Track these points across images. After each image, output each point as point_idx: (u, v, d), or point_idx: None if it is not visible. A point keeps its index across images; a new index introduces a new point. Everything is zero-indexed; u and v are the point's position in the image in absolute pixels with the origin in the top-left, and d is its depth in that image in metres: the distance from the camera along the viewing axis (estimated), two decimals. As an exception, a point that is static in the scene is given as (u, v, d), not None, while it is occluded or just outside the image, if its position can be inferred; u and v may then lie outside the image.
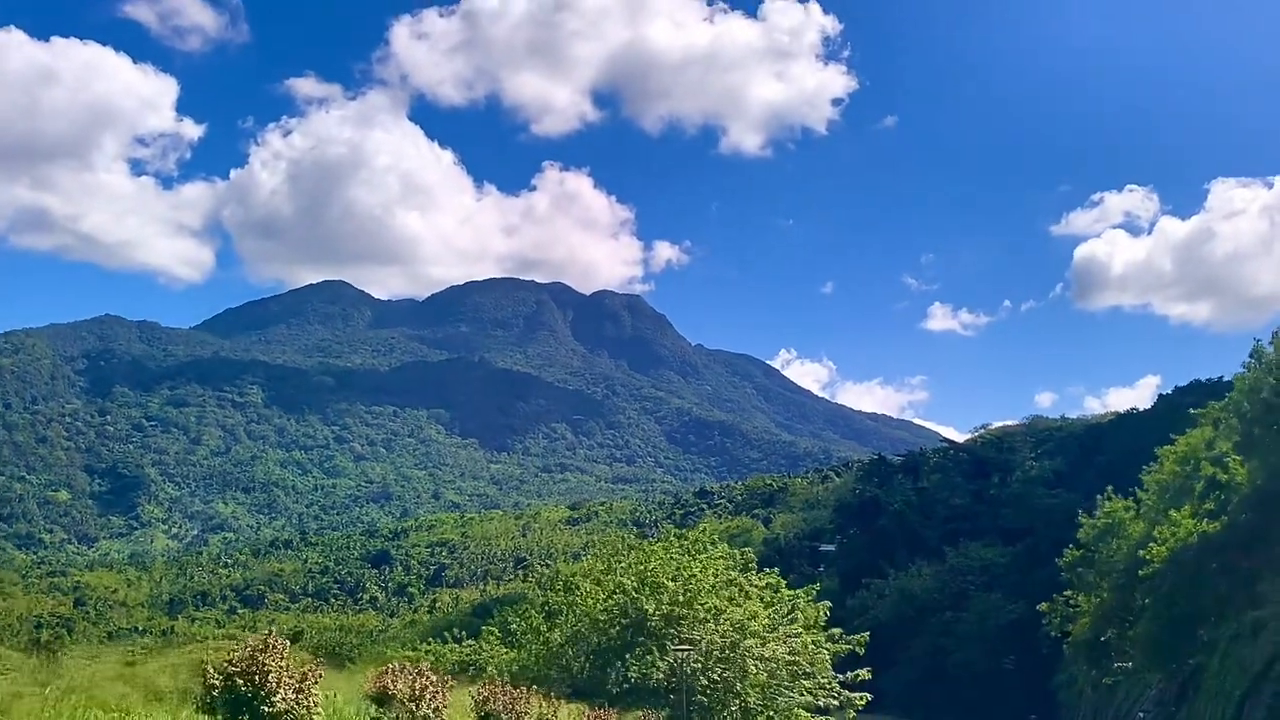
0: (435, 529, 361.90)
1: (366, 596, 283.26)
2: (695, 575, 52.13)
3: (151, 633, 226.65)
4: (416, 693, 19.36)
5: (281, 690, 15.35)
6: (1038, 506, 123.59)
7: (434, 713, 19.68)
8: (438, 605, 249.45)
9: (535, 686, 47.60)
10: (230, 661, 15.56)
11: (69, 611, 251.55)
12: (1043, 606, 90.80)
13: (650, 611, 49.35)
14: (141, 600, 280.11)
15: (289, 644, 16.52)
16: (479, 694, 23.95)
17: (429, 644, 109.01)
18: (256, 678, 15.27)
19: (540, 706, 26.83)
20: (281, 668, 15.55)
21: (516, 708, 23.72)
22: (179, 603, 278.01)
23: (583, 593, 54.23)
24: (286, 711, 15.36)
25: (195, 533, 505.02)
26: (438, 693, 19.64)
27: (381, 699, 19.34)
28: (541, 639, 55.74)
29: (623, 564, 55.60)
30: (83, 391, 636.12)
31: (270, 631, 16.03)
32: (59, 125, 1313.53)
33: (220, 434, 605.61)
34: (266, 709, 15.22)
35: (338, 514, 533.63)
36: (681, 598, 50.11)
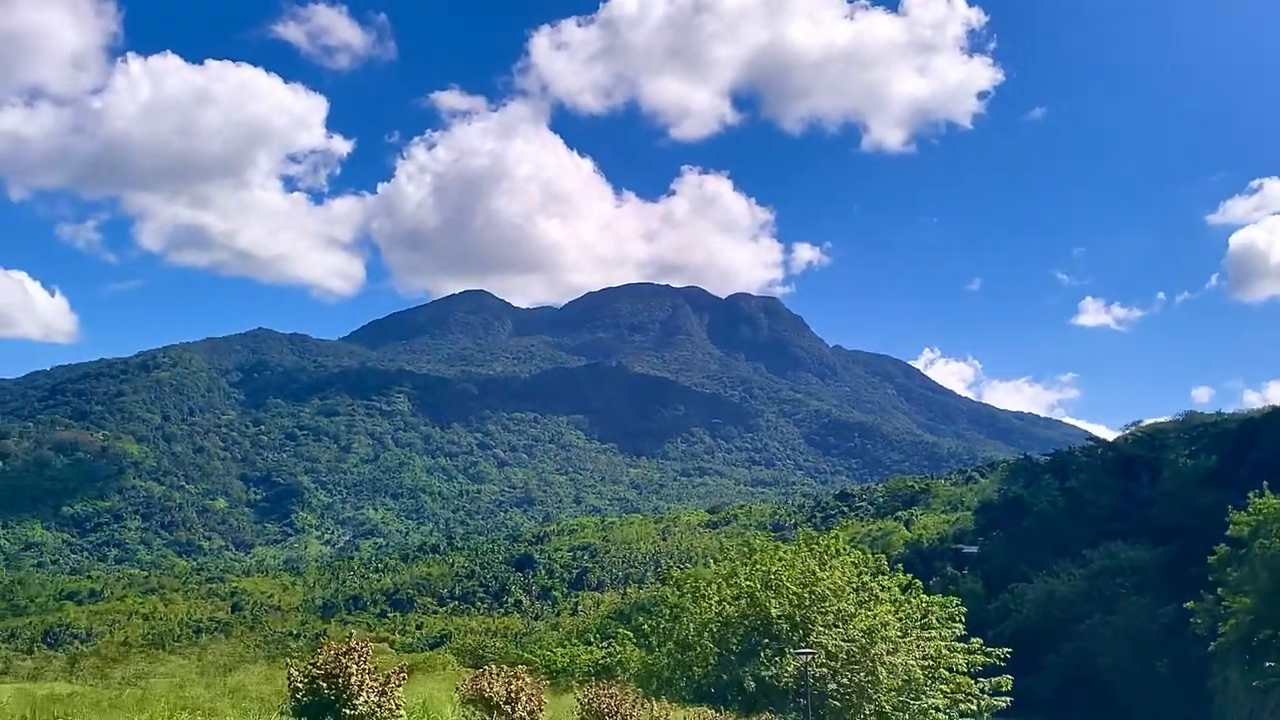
0: (577, 533, 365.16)
1: (511, 600, 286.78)
2: (820, 579, 51.32)
3: (305, 637, 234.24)
4: (512, 695, 19.39)
5: (364, 693, 15.51)
6: (1190, 505, 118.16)
7: (529, 715, 19.69)
8: (580, 608, 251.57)
9: (660, 689, 47.62)
10: (314, 665, 15.80)
11: (227, 616, 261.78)
12: (1191, 605, 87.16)
13: (774, 615, 48.78)
14: (296, 605, 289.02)
15: (372, 647, 16.64)
16: (585, 696, 23.90)
17: (565, 647, 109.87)
18: (339, 680, 15.46)
19: (652, 710, 26.64)
20: (364, 670, 15.72)
21: (622, 710, 23.61)
22: (332, 607, 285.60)
23: (707, 595, 53.93)
24: (369, 714, 15.52)
25: (347, 538, 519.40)
26: (534, 695, 19.67)
27: (478, 702, 19.44)
28: (668, 642, 55.61)
29: (747, 567, 55.10)
30: (238, 403, 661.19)
31: (352, 634, 16.20)
32: (215, 145, 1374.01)
33: (369, 442, 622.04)
34: (349, 711, 15.40)
35: (482, 519, 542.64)
36: (806, 601, 49.40)
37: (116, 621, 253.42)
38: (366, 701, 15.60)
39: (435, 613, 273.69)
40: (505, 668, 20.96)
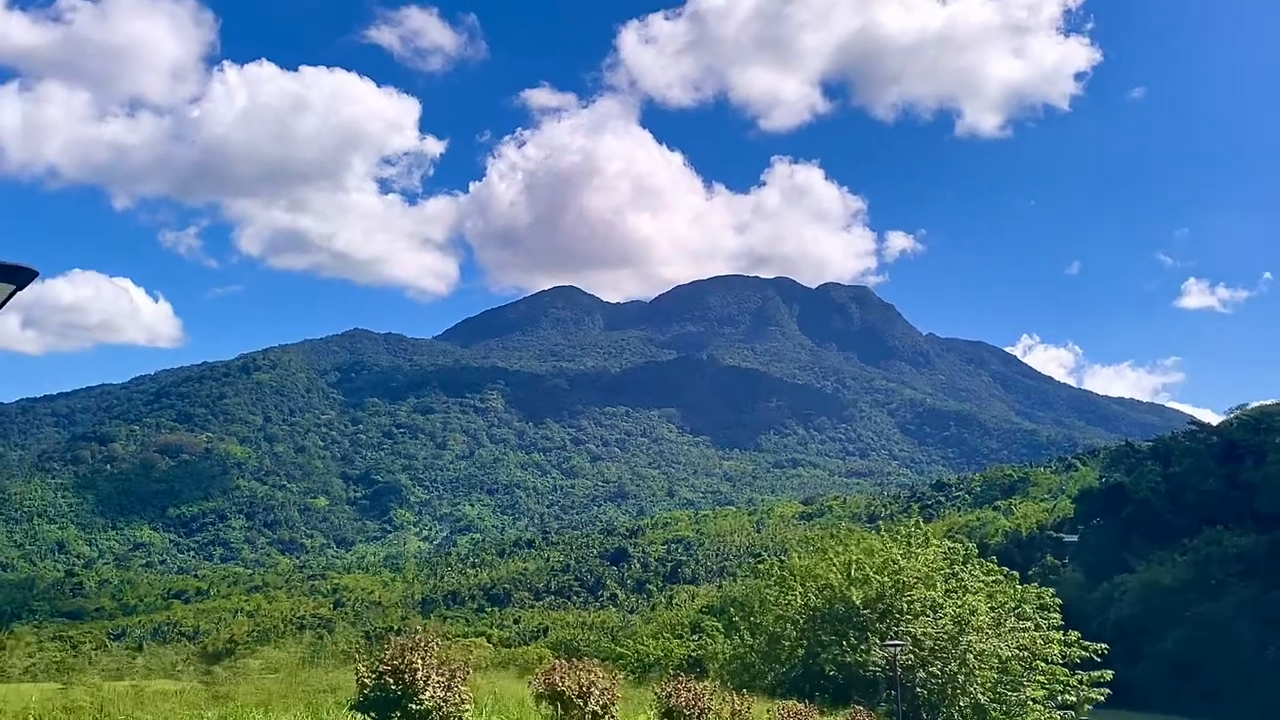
0: (671, 526, 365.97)
1: (606, 594, 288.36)
2: (904, 567, 50.67)
3: (405, 632, 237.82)
4: (584, 690, 19.41)
5: (430, 689, 15.65)
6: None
7: (601, 709, 19.69)
8: (675, 601, 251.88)
9: (747, 681, 47.44)
10: (381, 660, 16.00)
11: (329, 612, 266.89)
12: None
13: (857, 603, 48.30)
14: (396, 600, 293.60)
15: (440, 641, 16.80)
16: (662, 690, 23.82)
17: (657, 640, 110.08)
18: (406, 676, 15.62)
19: (732, 703, 26.48)
20: (430, 665, 15.87)
21: (700, 704, 23.51)
22: (431, 602, 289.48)
23: (793, 586, 53.60)
24: (435, 708, 15.65)
25: (444, 534, 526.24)
26: (606, 689, 19.68)
27: (550, 697, 19.51)
28: (757, 633, 55.42)
29: (831, 557, 54.64)
30: (336, 403, 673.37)
31: (422, 629, 16.38)
32: (311, 150, 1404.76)
33: (464, 439, 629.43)
34: (414, 706, 15.54)
35: (577, 513, 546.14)
36: (889, 590, 48.81)
37: (222, 619, 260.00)
38: (433, 696, 15.73)
39: (532, 607, 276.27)
40: (577, 661, 21.05)
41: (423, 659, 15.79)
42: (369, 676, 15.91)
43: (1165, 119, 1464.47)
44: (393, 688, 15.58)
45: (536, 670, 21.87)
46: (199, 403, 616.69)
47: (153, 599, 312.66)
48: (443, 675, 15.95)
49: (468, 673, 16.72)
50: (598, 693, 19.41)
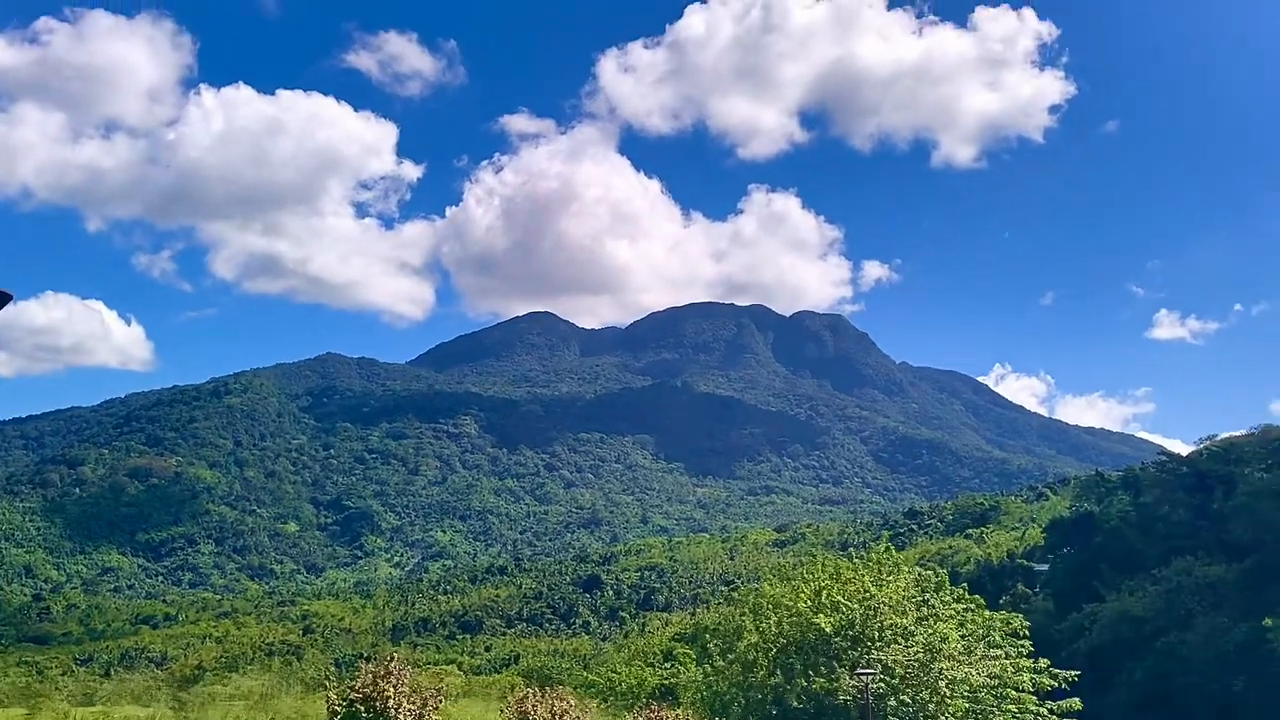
0: (644, 553, 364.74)
1: (579, 621, 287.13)
2: (874, 594, 50.87)
3: (376, 659, 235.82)
4: (555, 717, 19.46)
5: (400, 715, 15.66)
6: (1265, 520, 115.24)
7: (572, 738, 19.74)
8: (648, 629, 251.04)
9: (719, 711, 47.46)
10: (352, 688, 15.99)
11: (298, 639, 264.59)
12: (1267, 622, 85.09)
13: (827, 631, 48.39)
14: (366, 627, 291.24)
15: (410, 669, 16.81)
16: (636, 717, 23.85)
17: (629, 668, 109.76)
18: (376, 703, 15.64)
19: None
20: (402, 692, 15.88)
21: (671, 733, 23.52)
22: (401, 629, 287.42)
23: (766, 614, 53.67)
24: (406, 736, 15.70)
25: (416, 560, 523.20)
26: (578, 718, 19.70)
27: (521, 724, 19.56)
28: (730, 662, 55.37)
29: (799, 585, 54.75)
30: (308, 427, 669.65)
31: (393, 656, 16.37)
32: (287, 174, 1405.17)
33: (437, 465, 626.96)
34: (385, 733, 15.59)
35: (550, 540, 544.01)
36: (860, 617, 48.95)
37: (191, 645, 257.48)
38: (403, 723, 15.80)
39: (504, 634, 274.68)
40: (550, 690, 21.05)
41: (394, 686, 15.82)
42: (340, 704, 15.91)
43: (1138, 152, 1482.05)
44: (364, 715, 15.59)
45: (508, 698, 21.87)
46: (169, 426, 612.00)
47: (120, 624, 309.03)
48: (414, 703, 15.99)
49: (440, 700, 16.73)
50: (568, 720, 19.50)
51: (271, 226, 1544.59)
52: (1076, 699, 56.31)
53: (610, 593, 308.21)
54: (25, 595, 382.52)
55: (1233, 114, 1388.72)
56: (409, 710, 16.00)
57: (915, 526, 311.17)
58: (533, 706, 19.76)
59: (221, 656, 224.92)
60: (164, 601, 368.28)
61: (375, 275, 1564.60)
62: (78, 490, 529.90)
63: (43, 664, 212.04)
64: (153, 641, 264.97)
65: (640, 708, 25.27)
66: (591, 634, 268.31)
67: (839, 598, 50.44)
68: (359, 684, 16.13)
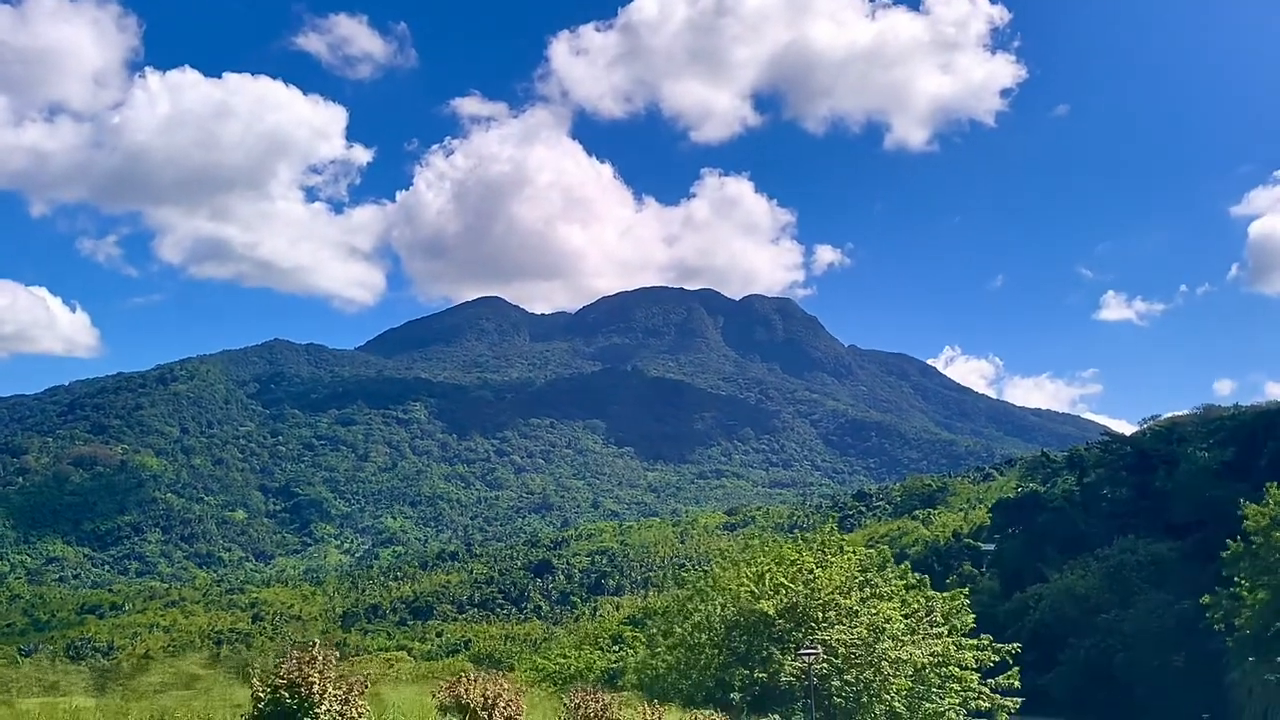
0: (595, 538, 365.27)
1: (531, 605, 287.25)
2: (818, 576, 51.16)
3: (324, 646, 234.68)
4: (490, 701, 19.35)
5: (326, 702, 15.52)
6: (1205, 499, 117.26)
7: (506, 721, 19.66)
8: (599, 613, 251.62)
9: (664, 692, 47.53)
10: (276, 674, 15.81)
11: (247, 626, 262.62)
12: (1205, 600, 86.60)
13: (770, 613, 48.58)
14: (316, 614, 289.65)
15: (336, 655, 16.65)
16: (571, 700, 23.83)
17: (579, 651, 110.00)
18: (302, 689, 15.47)
19: (644, 713, 26.55)
20: (326, 679, 15.73)
21: (608, 714, 23.52)
22: (352, 616, 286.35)
23: (709, 597, 53.84)
24: (332, 722, 15.55)
25: (366, 547, 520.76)
26: (512, 701, 19.61)
27: (454, 708, 19.40)
28: (673, 645, 55.48)
29: (742, 568, 54.93)
30: (255, 414, 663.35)
31: (315, 644, 16.20)
32: (235, 158, 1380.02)
33: (387, 451, 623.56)
34: (310, 720, 15.43)
35: (500, 525, 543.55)
36: (802, 599, 49.20)
37: (138, 634, 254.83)
38: (329, 711, 15.60)
39: (455, 620, 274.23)
40: (483, 673, 20.96)
41: (319, 672, 15.65)
42: (264, 690, 15.73)
43: (1087, 136, 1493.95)
44: (288, 702, 15.42)
45: (440, 682, 21.73)
46: (114, 414, 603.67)
47: (66, 614, 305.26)
48: (340, 689, 15.84)
49: (365, 686, 16.60)
50: (503, 704, 19.36)
51: (220, 211, 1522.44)
52: (1016, 669, 57.11)
53: (561, 577, 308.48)
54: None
55: (1179, 98, 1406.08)
56: (334, 695, 15.82)
57: (864, 508, 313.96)
58: (465, 689, 19.64)
59: (169, 645, 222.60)
60: (110, 591, 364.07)
61: (325, 260, 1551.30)
62: (21, 479, 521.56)
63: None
64: (99, 631, 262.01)
65: (576, 689, 25.17)
66: (543, 618, 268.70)
67: (782, 579, 50.63)
68: (283, 670, 15.92)
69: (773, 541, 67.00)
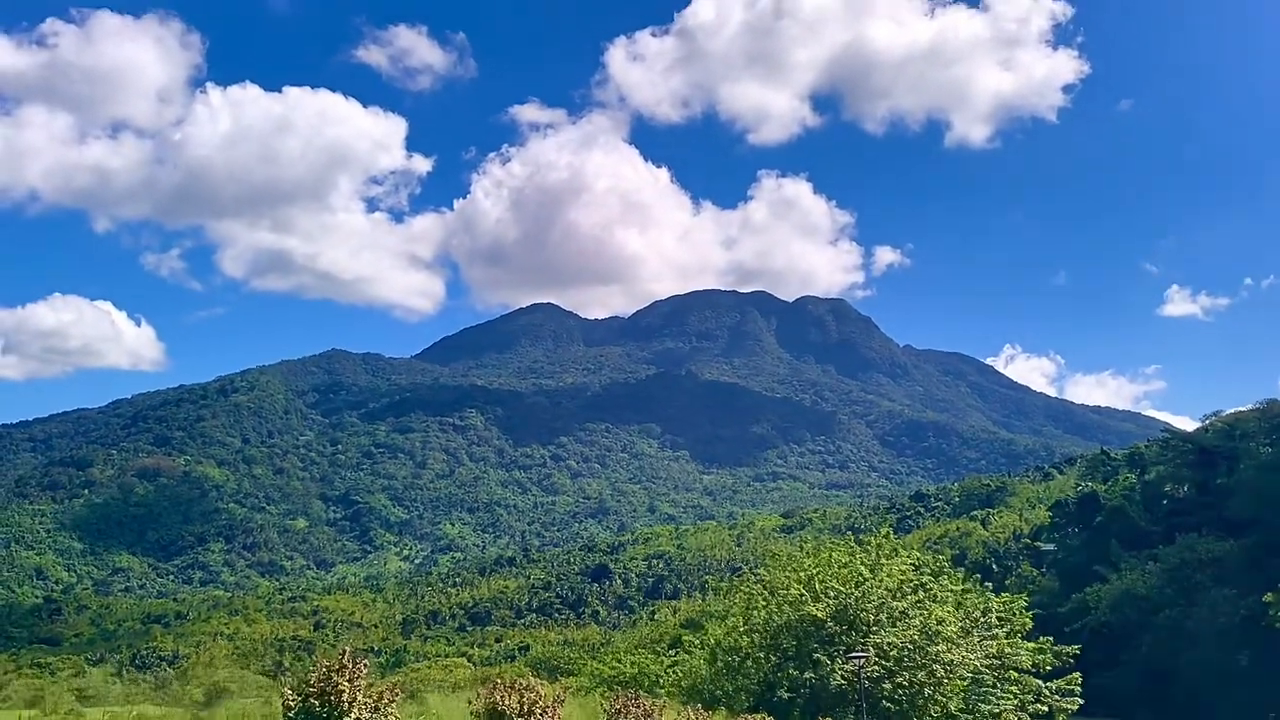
0: (651, 542, 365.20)
1: (588, 610, 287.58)
2: (868, 579, 50.71)
3: (386, 653, 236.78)
4: (526, 708, 19.32)
5: (355, 710, 15.56)
6: (1268, 495, 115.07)
7: (543, 728, 19.57)
8: (657, 617, 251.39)
9: (714, 697, 47.34)
10: (307, 682, 15.89)
11: (309, 634, 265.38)
12: (1268, 598, 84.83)
13: (821, 617, 48.19)
14: (377, 621, 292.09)
15: (366, 664, 16.68)
16: (612, 706, 23.74)
17: (634, 655, 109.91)
18: (332, 698, 15.53)
19: (689, 717, 26.43)
20: (355, 688, 15.77)
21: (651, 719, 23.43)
22: (412, 622, 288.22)
23: (757, 601, 53.51)
24: (361, 731, 15.59)
25: (425, 554, 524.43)
26: (550, 708, 19.57)
27: (491, 715, 19.39)
28: (719, 648, 55.18)
29: (793, 571, 54.52)
30: (314, 424, 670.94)
31: (345, 651, 16.27)
32: (296, 171, 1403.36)
33: (444, 458, 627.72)
34: (339, 729, 15.47)
35: (557, 530, 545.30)
36: (853, 602, 48.75)
37: (202, 643, 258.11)
38: (358, 718, 15.67)
39: (513, 625, 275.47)
40: (520, 679, 20.92)
41: (349, 681, 15.71)
42: (294, 699, 15.82)
43: (1151, 130, 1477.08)
44: (319, 711, 15.49)
45: (477, 690, 21.75)
46: (176, 426, 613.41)
47: (132, 624, 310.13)
48: (370, 697, 15.89)
49: (397, 695, 16.64)
50: (539, 712, 19.32)
51: (281, 223, 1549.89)
52: (1077, 674, 56.37)
53: (619, 582, 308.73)
54: (36, 598, 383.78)
55: (1241, 91, 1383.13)
56: (364, 704, 15.86)
57: (922, 509, 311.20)
58: (501, 696, 19.62)
59: (233, 654, 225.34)
60: (175, 600, 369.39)
61: (385, 270, 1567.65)
62: (87, 492, 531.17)
63: (54, 665, 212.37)
64: (164, 641, 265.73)
65: (616, 694, 25.05)
66: (601, 623, 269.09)
67: (833, 583, 50.24)
68: (313, 679, 15.99)
69: (830, 542, 66.43)
